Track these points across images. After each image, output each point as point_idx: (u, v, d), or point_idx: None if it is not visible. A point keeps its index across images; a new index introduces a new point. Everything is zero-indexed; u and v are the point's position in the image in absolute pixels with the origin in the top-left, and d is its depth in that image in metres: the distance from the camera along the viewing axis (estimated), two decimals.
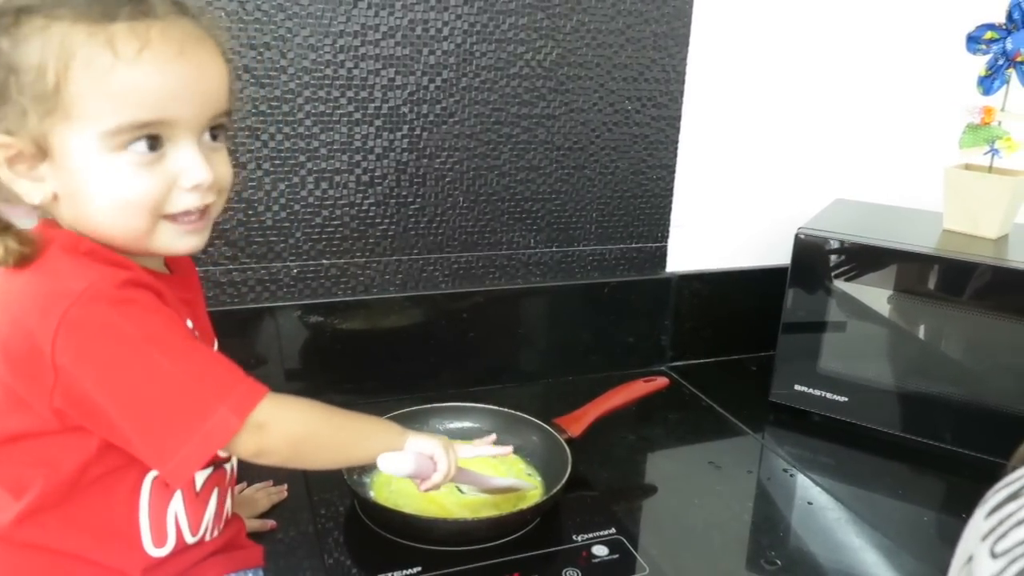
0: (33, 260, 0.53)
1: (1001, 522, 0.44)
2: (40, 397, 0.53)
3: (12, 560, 0.57)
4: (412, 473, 0.69)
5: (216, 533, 0.66)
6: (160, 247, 0.57)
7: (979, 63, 1.04)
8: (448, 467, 0.70)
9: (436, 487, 0.71)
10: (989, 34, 1.02)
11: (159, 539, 0.60)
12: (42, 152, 0.52)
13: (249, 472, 0.87)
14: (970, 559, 0.45)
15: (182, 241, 0.57)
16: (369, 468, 0.89)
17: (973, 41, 1.03)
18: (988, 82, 1.04)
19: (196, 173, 0.55)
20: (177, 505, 0.61)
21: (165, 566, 0.61)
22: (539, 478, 0.90)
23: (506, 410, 0.97)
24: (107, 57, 0.50)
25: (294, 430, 0.59)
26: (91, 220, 0.54)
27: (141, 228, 0.55)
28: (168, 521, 0.60)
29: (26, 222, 0.56)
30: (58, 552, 0.57)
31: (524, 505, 0.83)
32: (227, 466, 0.66)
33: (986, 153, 1.05)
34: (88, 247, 0.55)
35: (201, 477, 0.62)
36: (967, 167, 1.08)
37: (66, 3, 0.50)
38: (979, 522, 0.47)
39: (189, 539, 0.62)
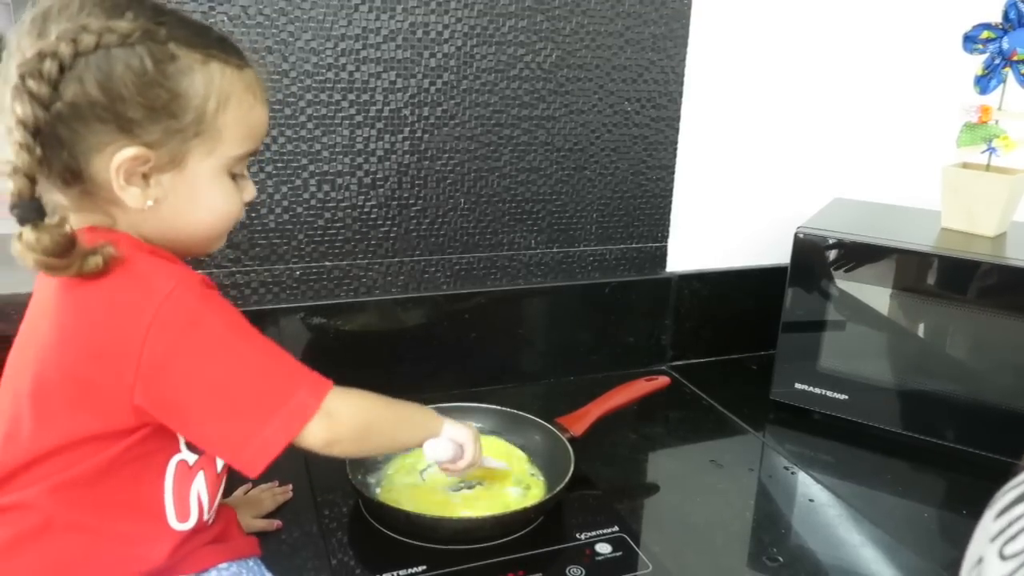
0: (116, 266, 0.56)
1: (1011, 524, 0.44)
2: (121, 394, 0.56)
3: (47, 533, 0.58)
4: (449, 459, 0.76)
5: (214, 517, 0.68)
6: (214, 249, 0.66)
7: (976, 62, 1.05)
8: (474, 457, 0.77)
9: (460, 474, 0.79)
10: (986, 33, 1.03)
11: (183, 515, 0.63)
12: (173, 164, 0.58)
13: None
14: (980, 560, 0.46)
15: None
16: (373, 468, 0.90)
17: (970, 40, 1.04)
18: (985, 81, 1.04)
19: (253, 192, 0.66)
20: (200, 485, 0.64)
21: (188, 543, 0.64)
22: (542, 478, 0.91)
23: (509, 410, 0.98)
24: (249, 98, 0.61)
25: (359, 418, 0.64)
26: (185, 225, 0.61)
27: (221, 234, 0.65)
28: (191, 499, 0.63)
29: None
30: (88, 528, 0.59)
31: (527, 504, 0.83)
32: None
33: (984, 152, 1.06)
34: (149, 248, 0.60)
35: (222, 461, 0.66)
36: (965, 166, 1.09)
37: (212, 45, 0.59)
38: (988, 523, 0.47)
39: (206, 516, 0.65)
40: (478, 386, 1.11)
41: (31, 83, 0.52)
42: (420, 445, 0.74)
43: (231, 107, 0.59)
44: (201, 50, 0.58)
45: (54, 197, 0.58)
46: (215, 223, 0.63)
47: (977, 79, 1.05)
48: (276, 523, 0.82)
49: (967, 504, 0.93)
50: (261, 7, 0.91)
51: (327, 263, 1.03)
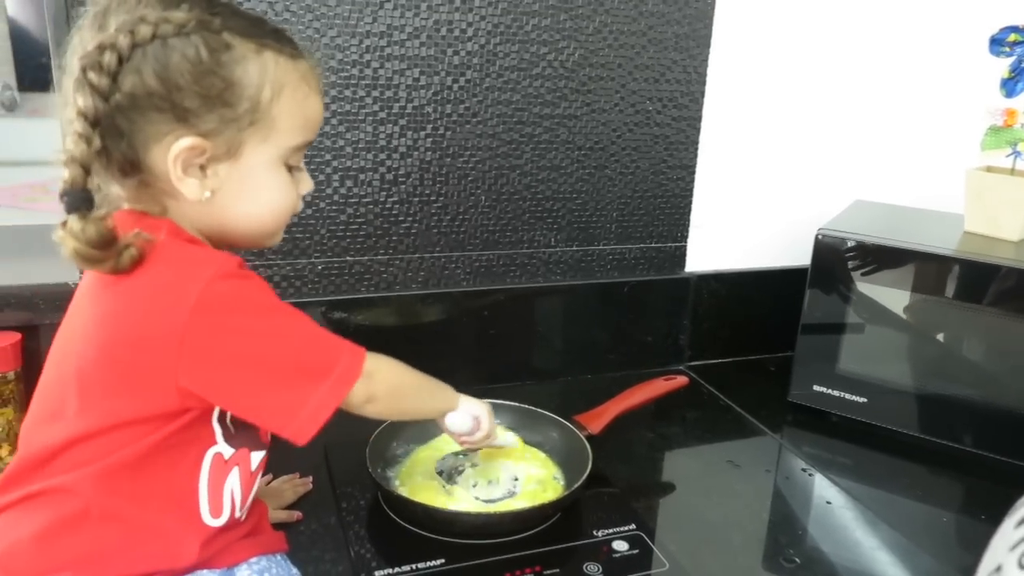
0: (154, 251, 0.57)
1: None
2: (164, 376, 0.57)
3: (82, 523, 0.59)
4: (467, 431, 0.79)
5: (246, 514, 0.69)
6: (271, 243, 0.68)
7: (1002, 65, 1.04)
8: (490, 429, 0.81)
9: (477, 446, 0.83)
10: (1012, 36, 1.02)
11: (216, 510, 0.64)
12: (229, 155, 0.60)
13: (275, 465, 0.89)
14: (998, 568, 0.46)
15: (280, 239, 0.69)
16: (392, 461, 0.91)
17: (996, 43, 1.03)
18: (1011, 84, 1.04)
19: (310, 184, 0.67)
20: (234, 481, 0.65)
21: (218, 539, 0.65)
22: (560, 475, 0.91)
23: (527, 406, 0.98)
24: (304, 88, 0.62)
25: (393, 378, 0.69)
26: (239, 217, 0.62)
27: (277, 228, 0.66)
28: (225, 495, 0.64)
29: None
30: (124, 519, 0.60)
31: (545, 500, 0.84)
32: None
33: (1008, 155, 1.05)
34: (188, 236, 0.61)
35: (257, 458, 0.67)
36: (989, 169, 1.08)
37: (266, 35, 0.60)
38: (1009, 531, 0.47)
39: (238, 513, 0.66)
40: (496, 383, 1.11)
41: (91, 75, 0.54)
42: (441, 414, 0.78)
43: (285, 96, 0.60)
44: (255, 40, 0.59)
45: (111, 189, 0.60)
46: (270, 216, 0.64)
47: (1003, 82, 1.04)
48: (296, 514, 0.83)
49: (985, 509, 0.93)
50: (288, 4, 0.92)
51: (348, 258, 1.04)
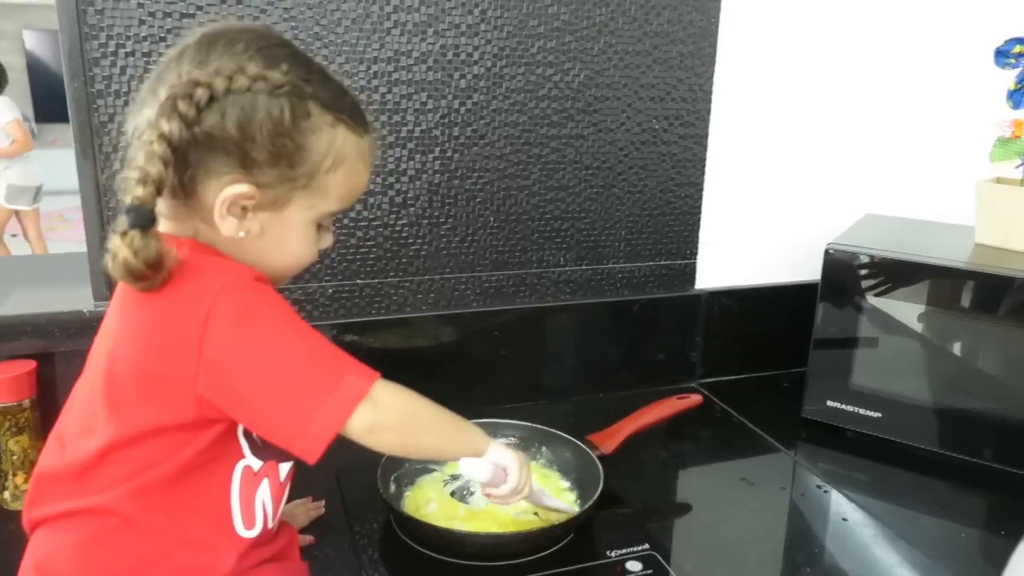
0: (175, 271, 0.59)
1: None
2: (185, 385, 0.58)
3: (122, 534, 0.61)
4: (487, 480, 0.72)
5: (277, 528, 0.70)
6: (277, 286, 0.67)
7: (1008, 77, 1.04)
8: (519, 483, 0.73)
9: (503, 500, 0.75)
10: (1018, 48, 1.02)
11: (249, 522, 0.65)
12: (273, 207, 0.62)
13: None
14: None
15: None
16: (404, 483, 0.90)
17: (1001, 55, 1.04)
18: (1018, 96, 1.04)
19: (331, 241, 0.70)
20: (264, 493, 0.66)
21: (252, 554, 0.65)
22: (573, 494, 0.91)
23: (539, 426, 0.98)
24: (360, 165, 0.66)
25: (404, 407, 0.65)
26: (262, 261, 0.64)
27: (290, 276, 0.69)
28: (257, 506, 0.65)
29: None
30: (162, 532, 0.61)
31: (556, 521, 0.83)
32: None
33: (1017, 167, 1.05)
34: (212, 251, 0.62)
35: (285, 469, 0.68)
36: (998, 181, 1.07)
37: (344, 110, 0.63)
38: None
39: (271, 524, 0.67)
40: (508, 403, 1.11)
41: (181, 104, 0.56)
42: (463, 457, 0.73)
43: (342, 170, 0.63)
44: (334, 113, 0.62)
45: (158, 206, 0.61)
46: (290, 266, 0.67)
47: (1010, 93, 1.04)
48: (309, 538, 0.83)
49: (1004, 524, 0.92)
50: (297, 32, 0.94)
51: (359, 281, 1.04)
